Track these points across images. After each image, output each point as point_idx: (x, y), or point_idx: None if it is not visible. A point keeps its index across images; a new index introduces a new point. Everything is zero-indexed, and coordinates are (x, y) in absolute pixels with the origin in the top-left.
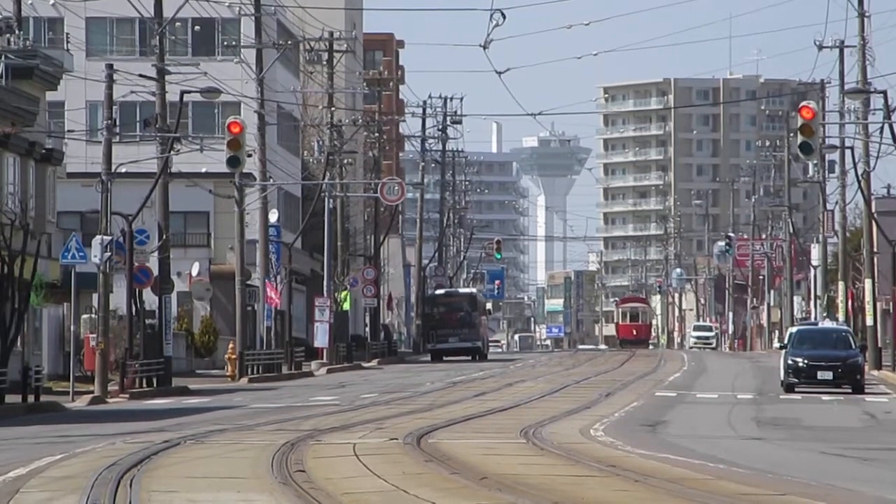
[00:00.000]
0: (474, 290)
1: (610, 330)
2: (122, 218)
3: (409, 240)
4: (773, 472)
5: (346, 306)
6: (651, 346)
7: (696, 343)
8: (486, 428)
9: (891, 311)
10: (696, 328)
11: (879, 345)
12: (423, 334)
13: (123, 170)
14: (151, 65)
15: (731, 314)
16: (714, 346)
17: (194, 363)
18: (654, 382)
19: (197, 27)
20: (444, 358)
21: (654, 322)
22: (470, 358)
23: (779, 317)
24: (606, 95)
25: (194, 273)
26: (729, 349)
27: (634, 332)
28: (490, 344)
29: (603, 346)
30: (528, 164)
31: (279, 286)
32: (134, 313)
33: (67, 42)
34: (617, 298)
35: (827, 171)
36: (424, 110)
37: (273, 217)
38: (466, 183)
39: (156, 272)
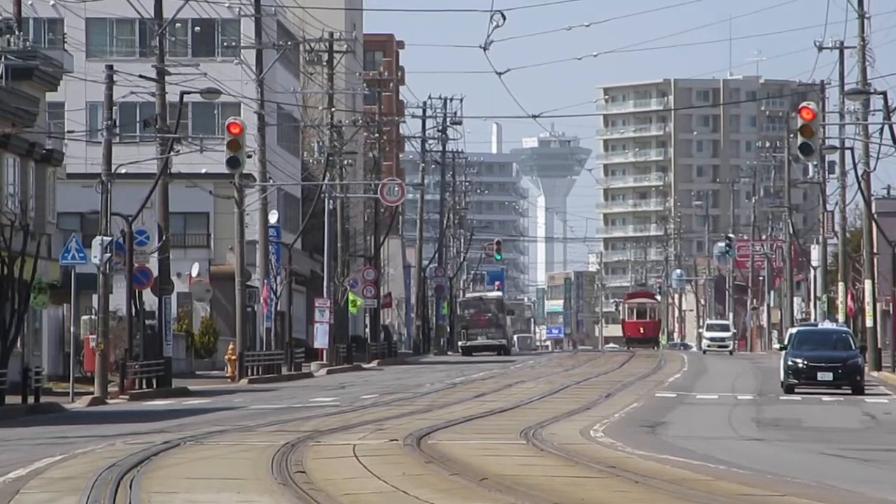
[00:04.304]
0: (500, 293)
1: (610, 330)
2: (121, 218)
3: (409, 241)
4: (773, 472)
5: (354, 310)
6: (655, 347)
7: (710, 346)
8: (485, 429)
9: (891, 311)
10: (710, 327)
11: (879, 346)
12: (455, 333)
13: (123, 170)
14: (151, 65)
15: (731, 315)
16: (731, 349)
17: (194, 364)
18: (655, 383)
19: (197, 28)
20: (474, 354)
21: (661, 319)
22: (496, 353)
23: (779, 318)
24: (606, 96)
25: (194, 274)
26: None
27: (642, 331)
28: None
29: (614, 346)
30: (527, 165)
31: (279, 287)
32: (134, 314)
33: (64, 42)
34: (618, 298)
35: (827, 172)
36: (424, 111)
37: (273, 218)
38: (466, 184)
39: (156, 273)
